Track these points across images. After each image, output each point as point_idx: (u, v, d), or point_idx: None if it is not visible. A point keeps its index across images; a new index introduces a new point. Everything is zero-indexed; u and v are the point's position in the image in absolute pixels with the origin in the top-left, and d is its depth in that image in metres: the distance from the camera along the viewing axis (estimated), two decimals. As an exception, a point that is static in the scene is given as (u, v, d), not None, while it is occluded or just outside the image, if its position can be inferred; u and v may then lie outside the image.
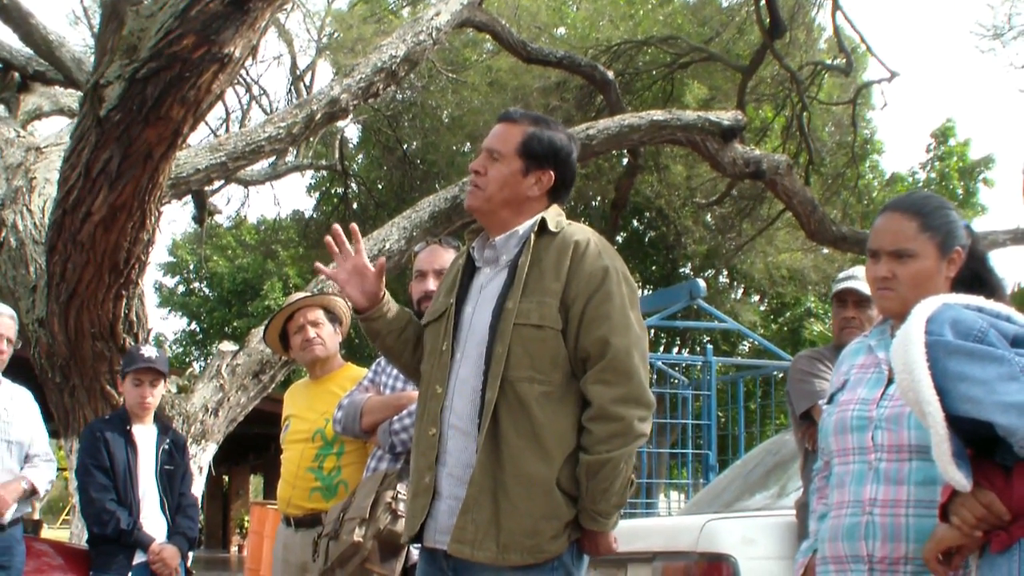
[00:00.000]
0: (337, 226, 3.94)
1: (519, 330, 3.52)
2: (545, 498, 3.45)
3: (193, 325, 38.74)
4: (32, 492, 6.46)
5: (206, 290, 38.58)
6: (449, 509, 3.56)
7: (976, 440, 2.78)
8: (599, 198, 25.95)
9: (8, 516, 6.25)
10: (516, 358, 3.50)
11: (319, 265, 4.19)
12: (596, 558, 3.68)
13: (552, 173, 3.72)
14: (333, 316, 5.97)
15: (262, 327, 7.25)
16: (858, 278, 5.19)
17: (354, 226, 3.92)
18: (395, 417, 4.82)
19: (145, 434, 6.63)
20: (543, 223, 3.67)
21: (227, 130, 20.76)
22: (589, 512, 3.49)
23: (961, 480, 2.75)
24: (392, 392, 5.02)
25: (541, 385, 3.49)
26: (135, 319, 8.67)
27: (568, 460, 3.49)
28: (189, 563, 6.75)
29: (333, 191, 27.70)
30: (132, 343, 8.50)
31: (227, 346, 10.64)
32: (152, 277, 39.63)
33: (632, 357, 3.49)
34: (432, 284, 4.81)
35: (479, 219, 3.83)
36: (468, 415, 3.58)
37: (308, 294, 6.34)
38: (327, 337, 5.87)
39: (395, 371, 5.09)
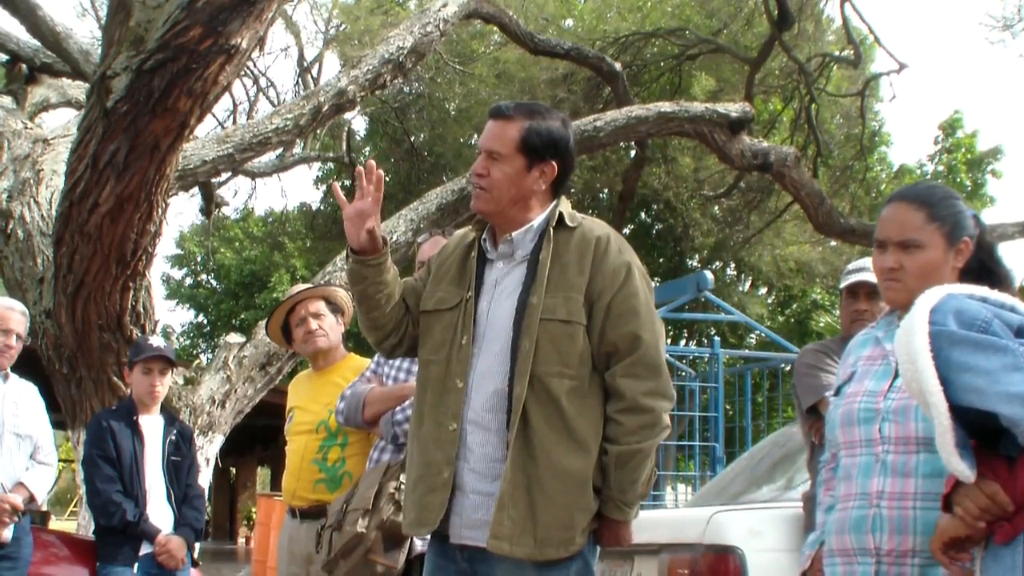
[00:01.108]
0: (372, 163, 3.87)
1: (546, 325, 3.53)
2: (581, 491, 3.48)
3: (200, 317, 38.82)
4: (31, 500, 6.44)
5: (213, 282, 38.63)
6: (474, 504, 3.57)
7: (980, 431, 2.77)
8: (606, 190, 25.93)
9: (7, 535, 6.25)
10: (544, 353, 3.51)
11: (336, 187, 4.11)
12: (606, 550, 3.69)
13: (555, 164, 3.72)
14: (335, 307, 5.95)
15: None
16: (869, 270, 5.15)
17: (380, 172, 3.84)
18: (397, 408, 4.82)
19: (152, 425, 6.63)
20: (561, 217, 3.67)
21: (234, 122, 20.77)
22: (616, 502, 3.52)
23: (965, 471, 2.74)
24: (395, 383, 5.02)
25: (571, 380, 3.52)
26: (142, 311, 8.68)
27: (599, 452, 3.52)
28: (196, 554, 6.75)
29: (340, 183, 27.67)
30: (139, 334, 8.51)
31: (234, 338, 10.66)
32: (159, 269, 39.84)
33: (660, 352, 3.56)
34: (435, 275, 4.80)
35: (489, 220, 3.80)
36: (488, 410, 3.58)
37: (309, 286, 6.33)
38: (329, 328, 5.85)
39: (398, 361, 5.09)
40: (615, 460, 3.49)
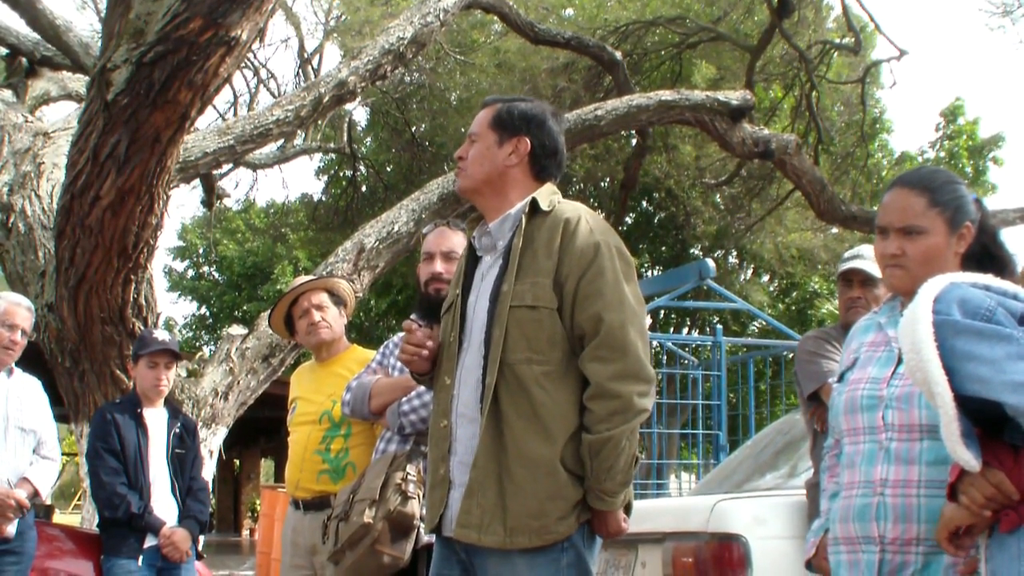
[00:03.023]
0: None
1: (515, 312, 3.53)
2: (549, 479, 3.45)
3: (203, 309, 38.80)
4: (35, 495, 6.44)
5: (216, 274, 38.63)
6: (459, 497, 3.57)
7: (985, 420, 2.77)
8: (608, 179, 25.88)
9: (12, 530, 6.25)
10: (513, 341, 3.51)
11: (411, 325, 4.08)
12: (607, 539, 3.67)
13: (527, 140, 3.74)
14: (337, 298, 5.97)
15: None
16: (863, 257, 5.16)
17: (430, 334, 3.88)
18: (404, 399, 4.82)
19: (156, 418, 6.64)
20: (534, 203, 3.67)
21: (235, 113, 20.80)
22: (595, 492, 3.48)
23: (970, 460, 2.74)
24: (401, 374, 5.02)
25: (540, 366, 3.50)
26: (144, 303, 8.68)
27: (571, 439, 3.48)
28: (200, 547, 6.77)
29: (342, 174, 27.63)
30: (141, 327, 8.52)
31: (236, 330, 10.66)
32: (161, 261, 39.78)
33: (627, 332, 3.47)
34: (439, 266, 4.81)
35: (472, 202, 3.87)
36: (472, 402, 3.59)
37: (312, 278, 6.33)
38: (332, 320, 5.87)
39: (403, 352, 5.10)
40: (588, 449, 3.45)
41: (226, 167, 17.71)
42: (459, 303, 3.75)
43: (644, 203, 27.99)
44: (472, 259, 3.83)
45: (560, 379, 3.51)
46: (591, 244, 3.55)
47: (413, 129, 25.32)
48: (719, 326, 14.07)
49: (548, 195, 3.73)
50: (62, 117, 11.87)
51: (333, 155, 26.72)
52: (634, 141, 21.58)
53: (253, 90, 22.48)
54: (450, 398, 3.66)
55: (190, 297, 38.95)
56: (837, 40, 20.94)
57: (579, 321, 3.50)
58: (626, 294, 3.54)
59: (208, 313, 38.46)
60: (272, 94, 22.25)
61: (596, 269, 3.52)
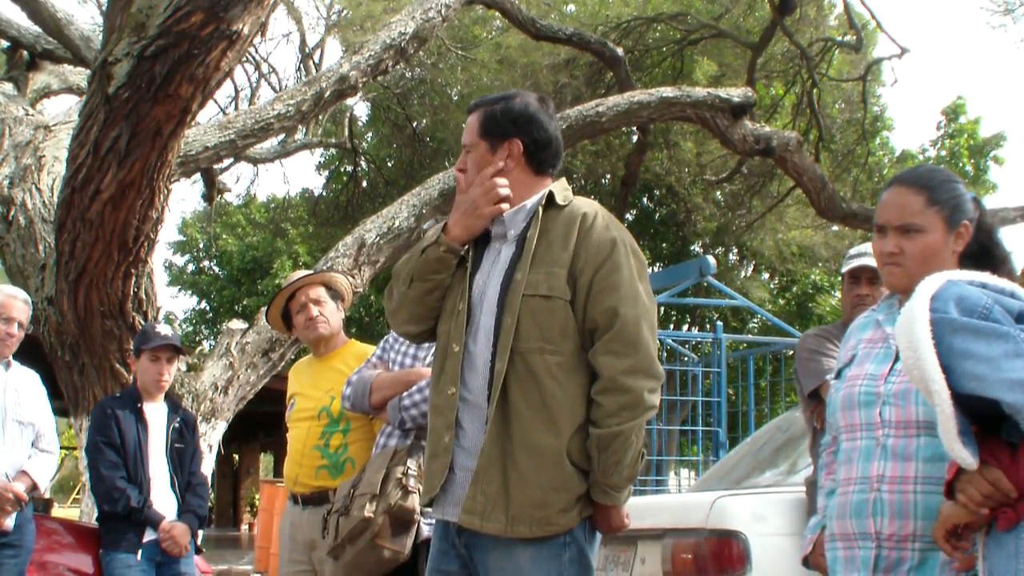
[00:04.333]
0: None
1: (528, 301, 3.52)
2: (554, 469, 3.45)
3: (203, 303, 38.79)
4: (33, 488, 6.43)
5: (216, 268, 38.60)
6: (461, 482, 3.57)
7: (981, 417, 2.77)
8: (608, 175, 25.91)
9: (10, 524, 6.25)
10: (525, 329, 3.50)
11: (459, 173, 3.94)
12: (608, 535, 3.67)
13: (518, 140, 3.71)
14: (335, 293, 5.95)
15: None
16: (871, 255, 5.13)
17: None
18: (404, 393, 4.82)
19: (156, 412, 6.63)
20: (551, 196, 3.67)
21: (236, 108, 20.76)
22: (600, 486, 3.49)
23: (967, 458, 2.74)
24: (401, 368, 5.02)
25: (553, 355, 3.49)
26: (144, 297, 8.68)
27: (578, 432, 3.49)
28: (199, 541, 6.76)
29: (342, 169, 27.67)
30: (142, 321, 8.51)
31: (236, 324, 10.66)
32: (162, 255, 39.85)
33: (641, 328, 3.49)
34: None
35: None
36: (479, 388, 3.58)
37: (309, 272, 6.32)
38: (330, 315, 5.85)
39: (404, 347, 5.10)
40: (596, 443, 3.45)
41: (227, 161, 17.68)
42: (468, 275, 3.72)
43: (645, 200, 28.04)
44: (483, 238, 3.79)
45: (572, 371, 3.51)
46: (608, 239, 3.56)
47: (414, 124, 25.33)
48: (719, 323, 14.03)
49: (562, 190, 3.74)
50: (63, 110, 11.87)
51: (334, 150, 26.75)
52: (635, 138, 21.61)
53: (254, 84, 22.47)
54: (458, 366, 3.62)
55: (190, 291, 38.93)
56: (838, 37, 20.96)
57: (593, 314, 3.51)
58: (640, 291, 3.56)
59: (208, 307, 38.46)
60: (273, 89, 22.23)
61: (612, 264, 3.53)
